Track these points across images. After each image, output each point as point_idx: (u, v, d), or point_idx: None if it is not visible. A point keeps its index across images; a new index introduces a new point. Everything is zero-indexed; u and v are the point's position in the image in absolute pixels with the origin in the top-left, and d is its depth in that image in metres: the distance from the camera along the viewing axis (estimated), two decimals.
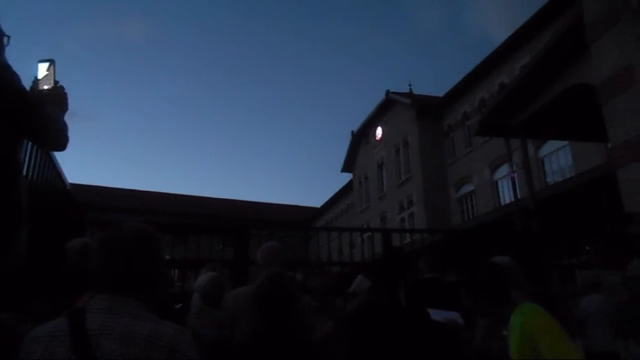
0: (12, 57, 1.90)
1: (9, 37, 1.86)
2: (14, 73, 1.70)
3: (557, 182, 14.53)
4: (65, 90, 1.94)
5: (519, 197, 9.72)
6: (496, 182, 19.83)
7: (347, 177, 33.31)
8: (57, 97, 1.89)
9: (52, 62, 1.94)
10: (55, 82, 1.92)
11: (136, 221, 1.52)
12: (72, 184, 5.42)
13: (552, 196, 10.51)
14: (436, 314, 3.80)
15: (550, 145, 16.44)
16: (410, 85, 27.44)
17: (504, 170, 18.05)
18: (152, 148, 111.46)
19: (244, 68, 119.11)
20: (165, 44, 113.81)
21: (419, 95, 26.38)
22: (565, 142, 14.98)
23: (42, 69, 1.92)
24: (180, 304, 4.89)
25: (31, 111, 1.70)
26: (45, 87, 1.90)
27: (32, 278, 2.58)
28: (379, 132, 28.29)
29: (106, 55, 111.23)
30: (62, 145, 1.88)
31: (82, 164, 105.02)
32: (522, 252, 5.44)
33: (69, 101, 1.95)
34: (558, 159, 16.65)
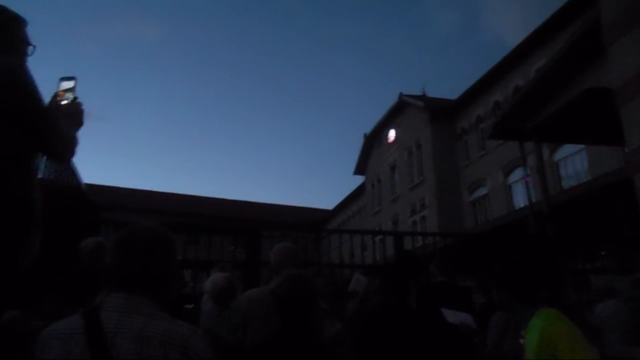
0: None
1: (34, 47, 1.89)
2: (32, 80, 1.72)
3: (572, 186, 14.35)
4: (83, 107, 1.96)
5: (533, 201, 9.60)
6: (510, 186, 19.64)
7: (360, 179, 33.29)
8: (73, 112, 1.91)
9: (73, 79, 1.96)
10: (75, 98, 1.94)
11: (149, 221, 1.53)
12: (86, 184, 5.48)
13: (567, 200, 10.37)
14: (450, 315, 3.77)
15: (566, 149, 16.24)
16: (423, 87, 27.42)
17: (518, 173, 17.88)
18: (164, 149, 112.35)
19: (257, 70, 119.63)
20: (179, 45, 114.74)
21: (432, 97, 26.26)
22: (581, 146, 14.78)
23: (64, 86, 1.93)
24: (192, 305, 4.90)
25: (41, 118, 1.72)
26: (64, 102, 1.92)
27: (46, 276, 2.60)
28: (391, 134, 28.20)
29: (120, 55, 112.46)
30: (66, 159, 1.89)
31: (95, 164, 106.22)
32: (537, 256, 5.38)
33: (85, 107, 1.97)
34: (573, 163, 16.45)
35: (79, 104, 1.94)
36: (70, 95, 1.93)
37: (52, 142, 1.77)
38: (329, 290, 3.47)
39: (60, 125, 1.78)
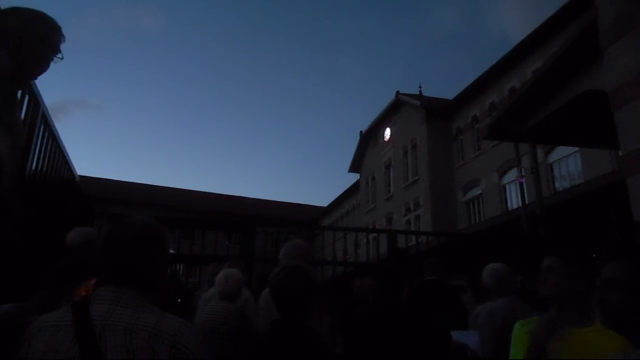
0: None
1: (62, 58, 1.82)
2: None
3: (566, 189, 14.42)
4: None
5: (527, 202, 9.65)
6: (504, 187, 19.71)
7: (355, 177, 33.30)
8: None
9: None
10: None
11: (143, 215, 1.53)
12: (81, 176, 5.47)
13: (561, 203, 10.42)
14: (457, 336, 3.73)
15: (560, 152, 16.32)
16: (420, 87, 27.43)
17: (512, 175, 17.94)
18: (160, 142, 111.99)
19: (253, 66, 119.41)
20: (177, 37, 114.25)
21: (429, 97, 26.29)
22: (576, 149, 14.86)
23: None
24: (182, 299, 4.89)
25: None
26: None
27: (38, 268, 2.60)
28: (387, 133, 28.22)
29: (119, 46, 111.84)
30: None
31: (90, 156, 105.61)
32: (529, 258, 5.41)
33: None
34: (568, 165, 16.53)
35: None
36: None
37: None
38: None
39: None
